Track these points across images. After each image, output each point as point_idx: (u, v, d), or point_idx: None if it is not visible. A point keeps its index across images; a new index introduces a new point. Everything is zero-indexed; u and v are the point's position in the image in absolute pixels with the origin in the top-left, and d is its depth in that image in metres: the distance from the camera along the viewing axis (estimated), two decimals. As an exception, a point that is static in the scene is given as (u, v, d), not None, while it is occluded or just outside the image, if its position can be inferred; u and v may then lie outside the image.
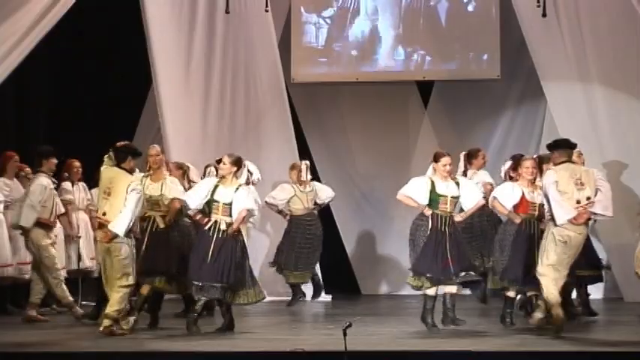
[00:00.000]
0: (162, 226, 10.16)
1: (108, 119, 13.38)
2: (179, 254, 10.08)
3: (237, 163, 9.89)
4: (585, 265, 10.36)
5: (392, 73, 14.13)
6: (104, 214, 9.58)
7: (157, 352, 8.58)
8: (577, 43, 12.81)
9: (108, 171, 9.71)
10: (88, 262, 12.03)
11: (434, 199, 9.85)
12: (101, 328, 9.51)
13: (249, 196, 9.79)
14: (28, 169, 11.81)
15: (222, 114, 13.44)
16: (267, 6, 12.80)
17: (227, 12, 12.74)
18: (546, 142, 13.31)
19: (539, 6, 12.12)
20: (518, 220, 9.98)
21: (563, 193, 9.38)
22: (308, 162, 12.67)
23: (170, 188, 10.20)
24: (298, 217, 12.33)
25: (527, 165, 10.10)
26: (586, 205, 9.40)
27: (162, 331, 9.92)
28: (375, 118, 14.28)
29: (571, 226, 9.36)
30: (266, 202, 12.22)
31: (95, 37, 13.73)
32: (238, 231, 9.78)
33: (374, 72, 14.16)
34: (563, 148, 9.65)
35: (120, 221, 9.45)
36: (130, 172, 9.73)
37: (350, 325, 7.95)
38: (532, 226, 9.99)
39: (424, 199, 9.87)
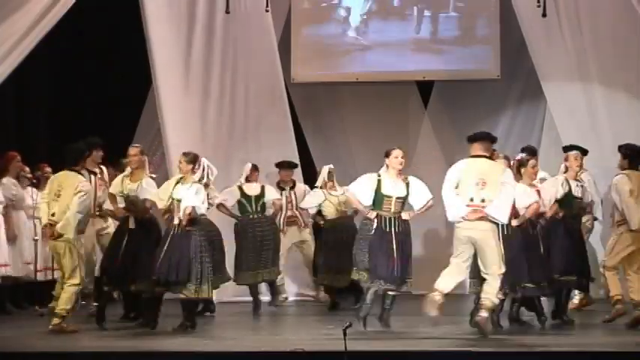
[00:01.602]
0: (132, 226, 10.22)
1: (108, 119, 13.38)
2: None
3: (193, 160, 10.02)
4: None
5: (392, 73, 14.13)
6: (53, 214, 9.85)
7: (157, 352, 8.58)
8: (577, 43, 12.81)
9: (59, 176, 10.00)
10: None
11: (378, 199, 9.83)
12: (50, 326, 9.76)
13: (197, 195, 9.88)
14: (27, 169, 11.83)
15: (222, 114, 13.44)
16: (267, 6, 12.82)
17: (227, 12, 12.76)
18: (546, 142, 13.40)
19: (539, 6, 12.13)
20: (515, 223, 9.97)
21: (459, 188, 9.30)
22: (332, 166, 12.53)
23: (142, 189, 10.25)
24: (330, 221, 12.20)
25: (533, 164, 10.29)
26: (479, 205, 9.20)
27: (162, 331, 9.91)
28: (375, 118, 14.28)
29: (468, 223, 9.24)
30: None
31: (95, 37, 13.73)
32: (191, 227, 9.85)
33: (374, 72, 14.16)
34: (480, 141, 9.51)
35: (66, 224, 9.73)
36: (80, 172, 10.01)
37: (350, 325, 7.95)
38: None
39: (368, 199, 9.85)
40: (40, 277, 11.65)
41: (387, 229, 9.76)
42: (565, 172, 10.60)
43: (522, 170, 10.28)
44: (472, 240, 9.24)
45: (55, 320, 9.77)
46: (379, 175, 9.93)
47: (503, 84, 14.09)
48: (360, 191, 9.96)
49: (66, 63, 13.87)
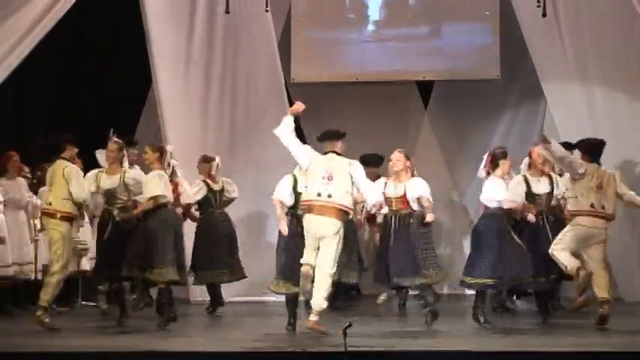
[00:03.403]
0: (117, 219, 10.32)
1: (108, 119, 13.36)
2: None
3: (159, 150, 10.31)
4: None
5: (392, 73, 14.14)
6: (50, 204, 10.00)
7: (157, 352, 8.57)
8: (577, 43, 12.81)
9: (52, 167, 10.13)
10: (86, 264, 11.99)
11: (296, 197, 9.85)
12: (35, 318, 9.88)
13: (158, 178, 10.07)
14: (27, 168, 11.82)
15: (222, 114, 13.45)
16: (267, 6, 12.81)
17: (227, 12, 12.75)
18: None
19: (539, 6, 12.13)
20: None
21: (308, 183, 9.38)
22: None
23: (139, 182, 10.36)
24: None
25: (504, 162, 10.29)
26: (328, 201, 9.26)
27: (162, 330, 9.91)
28: (375, 118, 14.28)
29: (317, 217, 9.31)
30: None
31: (95, 37, 13.73)
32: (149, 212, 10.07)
33: (374, 72, 14.17)
34: (326, 139, 9.62)
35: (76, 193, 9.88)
36: (70, 160, 10.15)
37: (350, 325, 7.95)
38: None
39: (290, 200, 9.89)
40: (40, 277, 11.63)
41: (299, 230, 9.72)
42: (529, 169, 10.51)
43: (500, 162, 10.23)
44: (319, 234, 9.29)
45: (39, 312, 9.87)
46: (294, 174, 10.01)
47: (503, 84, 14.10)
48: (283, 192, 10.01)
49: (66, 63, 13.87)
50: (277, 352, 8.49)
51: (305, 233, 9.42)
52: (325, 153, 9.58)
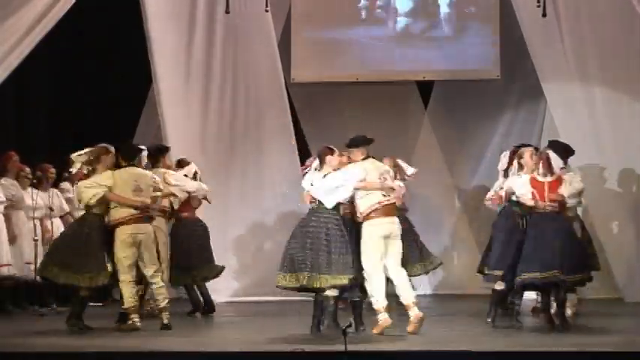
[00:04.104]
0: None
1: (108, 119, 13.38)
2: None
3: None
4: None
5: (392, 73, 14.14)
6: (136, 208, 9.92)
7: (157, 352, 8.57)
8: (577, 43, 12.81)
9: (128, 170, 9.99)
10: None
11: None
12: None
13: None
14: (27, 169, 11.82)
15: (222, 114, 13.45)
16: (267, 6, 12.81)
17: (227, 12, 12.75)
18: (546, 142, 13.40)
19: (539, 6, 12.12)
20: None
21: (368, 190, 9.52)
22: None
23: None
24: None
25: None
26: (389, 199, 9.51)
27: (162, 330, 9.91)
28: (375, 118, 14.28)
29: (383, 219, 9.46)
30: None
31: (95, 37, 13.73)
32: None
33: (374, 72, 14.17)
34: (361, 145, 9.76)
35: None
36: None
37: (350, 325, 7.95)
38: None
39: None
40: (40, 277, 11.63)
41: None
42: (520, 170, 10.42)
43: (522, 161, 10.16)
44: (388, 234, 9.43)
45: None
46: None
47: (503, 84, 14.10)
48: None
49: (66, 63, 13.87)
50: (277, 352, 8.49)
51: (369, 240, 9.39)
52: (364, 159, 9.70)
